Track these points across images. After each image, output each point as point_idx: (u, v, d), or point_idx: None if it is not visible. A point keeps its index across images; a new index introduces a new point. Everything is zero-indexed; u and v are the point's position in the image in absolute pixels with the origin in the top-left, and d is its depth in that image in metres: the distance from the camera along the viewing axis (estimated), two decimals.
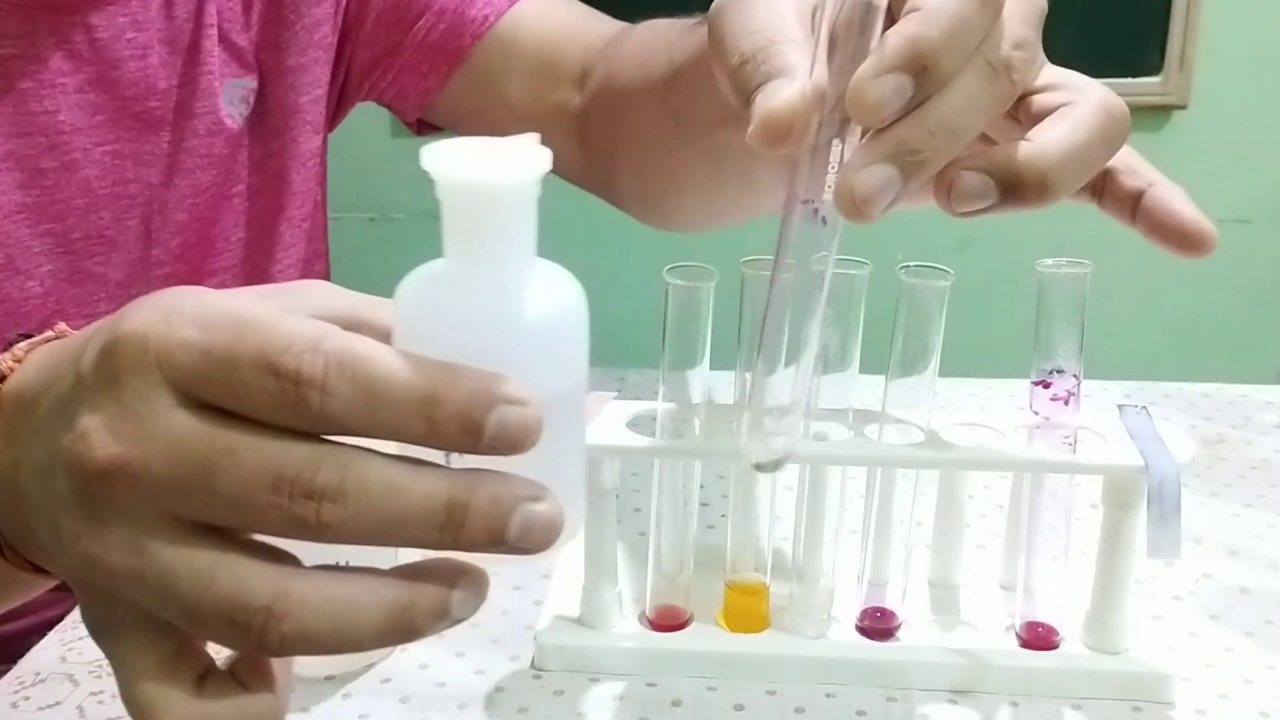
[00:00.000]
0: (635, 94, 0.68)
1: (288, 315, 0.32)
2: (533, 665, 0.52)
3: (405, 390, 0.30)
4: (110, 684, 0.50)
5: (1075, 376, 0.48)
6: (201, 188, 0.70)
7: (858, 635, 0.52)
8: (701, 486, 0.53)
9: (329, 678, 0.50)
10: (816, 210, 0.37)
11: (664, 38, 0.64)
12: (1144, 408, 0.52)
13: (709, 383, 0.50)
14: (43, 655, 0.52)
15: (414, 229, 1.43)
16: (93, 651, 0.52)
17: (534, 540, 0.31)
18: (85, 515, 0.32)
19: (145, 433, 0.31)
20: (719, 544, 0.53)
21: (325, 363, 0.30)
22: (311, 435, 0.31)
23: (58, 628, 0.54)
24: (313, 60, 0.73)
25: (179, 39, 0.67)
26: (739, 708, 0.49)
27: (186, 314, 0.32)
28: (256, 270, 0.75)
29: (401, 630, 0.32)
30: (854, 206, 0.36)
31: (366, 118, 1.38)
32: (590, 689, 0.50)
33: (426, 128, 0.84)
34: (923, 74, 0.35)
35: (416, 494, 0.31)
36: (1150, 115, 1.37)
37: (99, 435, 0.32)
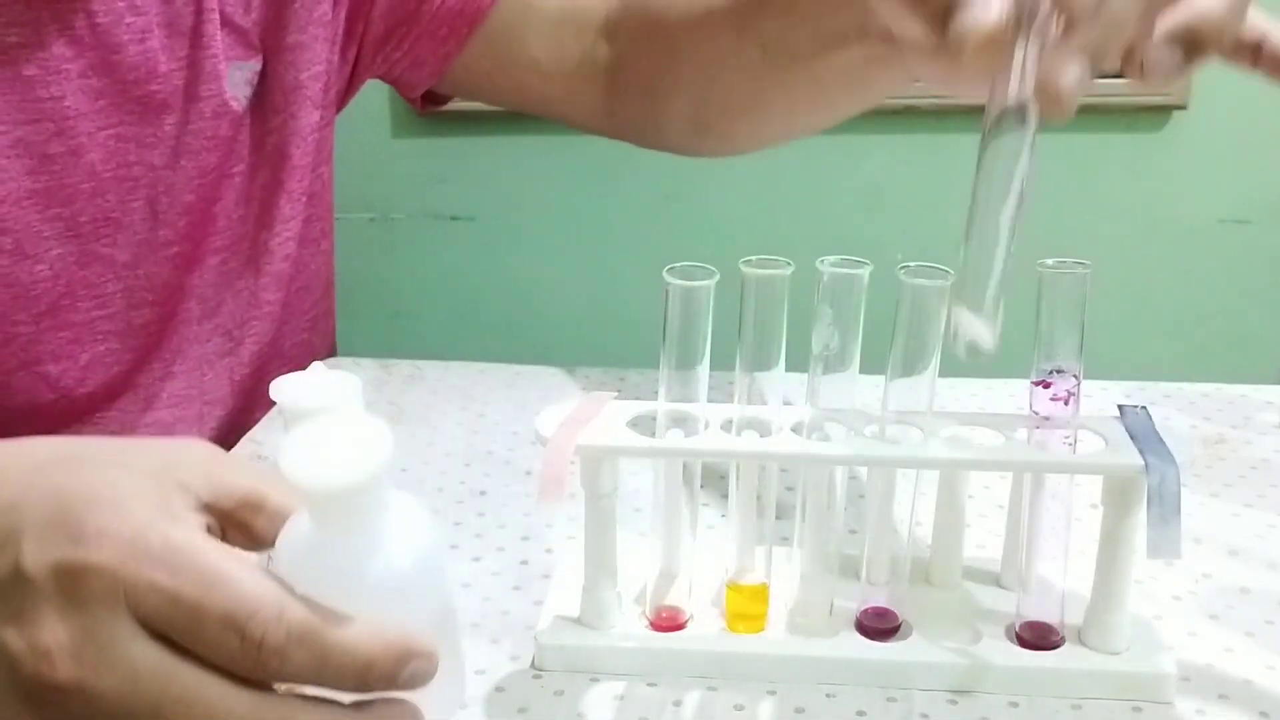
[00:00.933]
0: (692, 28, 0.70)
1: (250, 575, 0.36)
2: (533, 665, 0.52)
3: (349, 660, 0.36)
4: None
5: (1075, 376, 0.48)
6: (206, 169, 0.71)
7: (858, 635, 0.52)
8: (702, 486, 0.53)
9: None
10: (1020, 107, 0.44)
11: None
12: (1144, 408, 0.52)
13: (709, 383, 0.50)
14: None
15: (414, 229, 1.43)
16: None
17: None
18: (31, 711, 0.35)
19: (105, 660, 0.35)
20: (719, 544, 0.53)
21: (287, 633, 0.35)
22: (259, 685, 0.36)
23: None
24: (312, 38, 0.73)
25: (179, 22, 0.68)
26: (739, 708, 0.49)
27: (154, 554, 0.35)
28: (255, 245, 0.76)
29: None
30: (1060, 104, 0.44)
31: (367, 118, 1.38)
32: (590, 689, 0.50)
33: (430, 102, 0.84)
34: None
35: None
36: (1150, 115, 1.37)
37: (62, 658, 0.35)
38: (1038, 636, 0.51)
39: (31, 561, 0.35)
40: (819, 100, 0.69)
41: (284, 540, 0.38)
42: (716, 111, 0.74)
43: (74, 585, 0.35)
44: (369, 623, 0.36)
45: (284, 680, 0.36)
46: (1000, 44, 0.44)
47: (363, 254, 1.45)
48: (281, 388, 0.44)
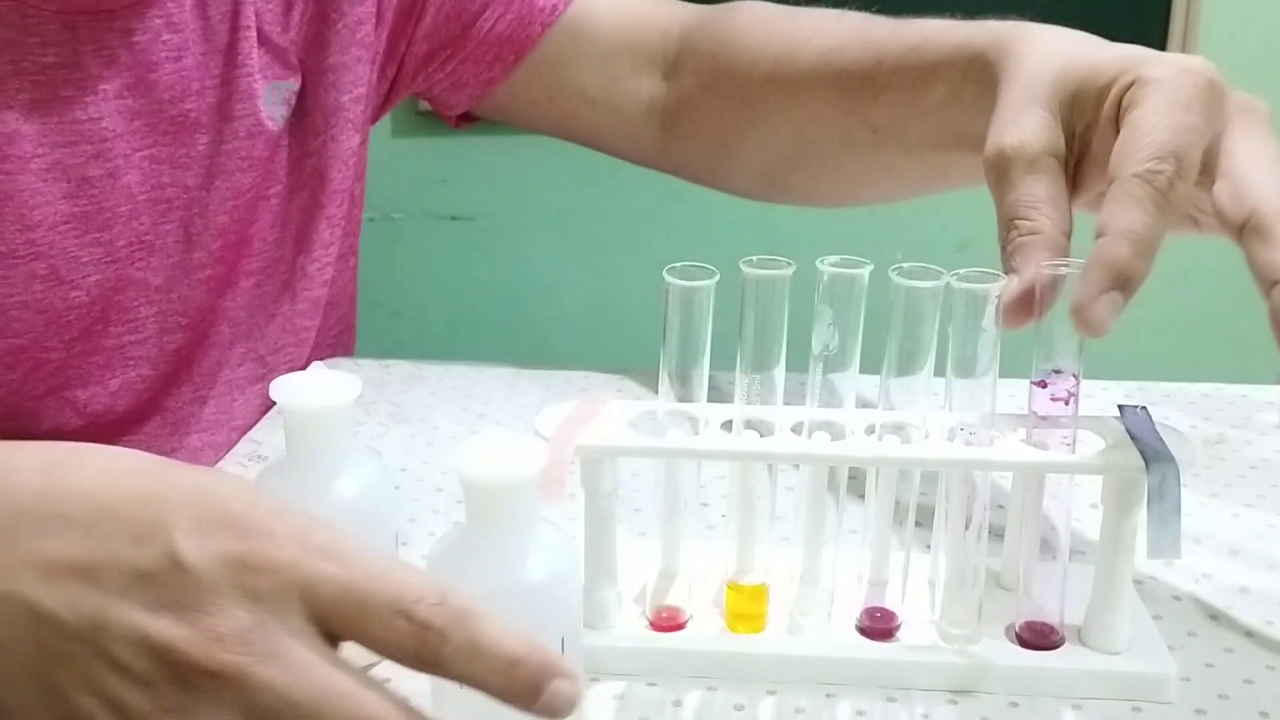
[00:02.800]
0: (781, 89, 0.69)
1: (412, 568, 0.38)
2: None
3: (500, 650, 0.36)
4: None
5: (1075, 376, 0.48)
6: (241, 190, 0.69)
7: (858, 635, 0.52)
8: (702, 486, 0.53)
9: None
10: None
11: (820, 28, 0.68)
12: (1144, 408, 0.52)
13: (709, 383, 0.50)
14: None
15: (414, 229, 1.43)
16: None
17: None
18: (162, 696, 0.35)
19: (273, 650, 0.35)
20: (719, 544, 0.53)
21: (449, 618, 0.36)
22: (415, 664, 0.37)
23: None
24: (355, 59, 0.72)
25: (215, 40, 0.66)
26: (739, 708, 0.49)
27: (324, 549, 0.37)
28: (292, 269, 0.74)
29: None
30: (1094, 329, 0.47)
31: None
32: (590, 689, 0.50)
33: (465, 121, 0.83)
34: (1128, 285, 0.47)
35: None
36: None
37: (233, 643, 0.35)
38: (1038, 636, 0.51)
39: (196, 554, 0.36)
40: (930, 181, 0.68)
41: (437, 547, 0.42)
42: (799, 170, 0.73)
43: (249, 577, 0.36)
44: (518, 627, 0.37)
45: (441, 668, 0.37)
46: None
47: (363, 254, 1.44)
48: (282, 387, 0.45)
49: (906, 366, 0.48)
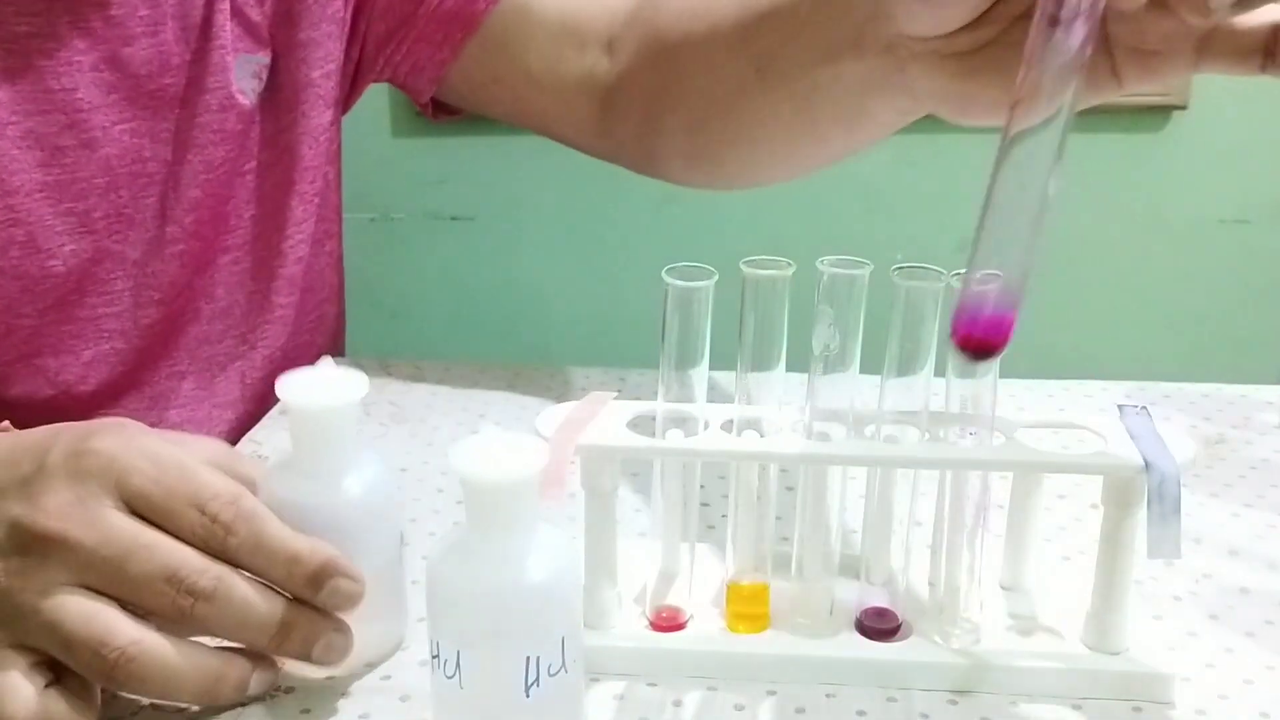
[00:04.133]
0: (695, 46, 0.67)
1: (221, 475, 0.46)
2: None
3: (281, 547, 0.45)
4: None
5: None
6: (214, 164, 0.70)
7: (858, 635, 0.52)
8: (702, 486, 0.53)
9: (329, 679, 0.50)
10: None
11: None
12: (1144, 408, 0.52)
13: (709, 383, 0.50)
14: None
15: (414, 229, 1.43)
16: None
17: (330, 659, 0.47)
18: (16, 562, 0.44)
19: (89, 519, 0.44)
20: (719, 544, 0.53)
21: (237, 514, 0.45)
22: (206, 552, 0.45)
23: None
24: (325, 35, 0.72)
25: (191, 14, 0.67)
26: (739, 708, 0.49)
27: (147, 453, 0.45)
28: (268, 246, 0.75)
29: (211, 694, 0.46)
30: None
31: (367, 118, 1.38)
32: (590, 689, 0.50)
33: (441, 112, 0.83)
34: None
35: (262, 611, 0.45)
36: (1150, 115, 1.37)
37: (53, 513, 0.44)
38: (1034, 636, 0.51)
39: (53, 457, 0.45)
40: (809, 131, 0.65)
41: (437, 547, 0.44)
42: (709, 139, 0.70)
43: (78, 462, 0.45)
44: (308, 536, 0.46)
45: (230, 557, 0.45)
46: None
47: (363, 254, 1.44)
48: (288, 384, 0.47)
49: (906, 366, 0.48)
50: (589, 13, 0.75)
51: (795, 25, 0.61)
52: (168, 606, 0.44)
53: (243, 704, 0.48)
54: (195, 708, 0.47)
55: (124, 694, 0.47)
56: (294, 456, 0.48)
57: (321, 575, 0.45)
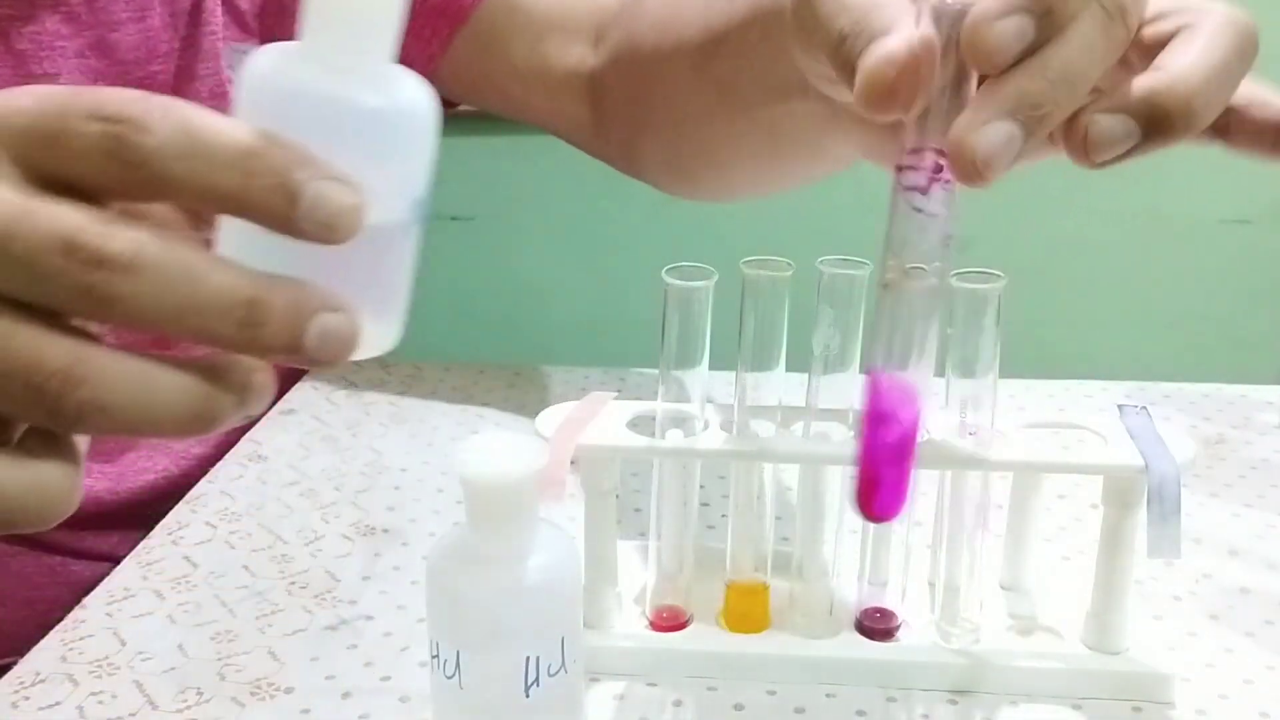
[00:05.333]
0: (663, 59, 0.65)
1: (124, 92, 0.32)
2: None
3: (225, 139, 0.30)
4: (110, 684, 0.50)
5: (937, 152, 0.36)
6: None
7: (858, 635, 0.52)
8: (702, 486, 0.53)
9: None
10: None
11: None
12: (1144, 408, 0.52)
13: (709, 383, 0.50)
14: (43, 655, 0.52)
15: None
16: (93, 651, 0.52)
17: (331, 350, 0.32)
18: None
19: None
20: (719, 544, 0.53)
21: (149, 107, 0.31)
22: (110, 209, 0.31)
23: (58, 628, 0.54)
24: None
25: (179, 0, 0.66)
26: (739, 708, 0.49)
27: (30, 91, 0.32)
28: None
29: (204, 416, 0.32)
30: (974, 169, 0.34)
31: None
32: (590, 689, 0.50)
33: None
34: (1046, 16, 0.34)
35: (218, 283, 0.31)
36: None
37: None
38: (1032, 635, 0.51)
39: None
40: (772, 157, 0.61)
41: (437, 547, 0.41)
42: (682, 155, 0.68)
43: None
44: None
45: (154, 171, 0.31)
46: (909, 95, 0.36)
47: None
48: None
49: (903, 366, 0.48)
50: (578, 5, 0.74)
51: (747, 55, 0.57)
52: (74, 293, 0.31)
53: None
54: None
55: (90, 437, 0.34)
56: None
57: (297, 174, 0.30)
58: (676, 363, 0.49)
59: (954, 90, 0.36)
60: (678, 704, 0.49)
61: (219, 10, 0.67)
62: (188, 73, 0.67)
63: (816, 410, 0.50)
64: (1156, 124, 0.36)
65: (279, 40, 0.32)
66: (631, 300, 1.41)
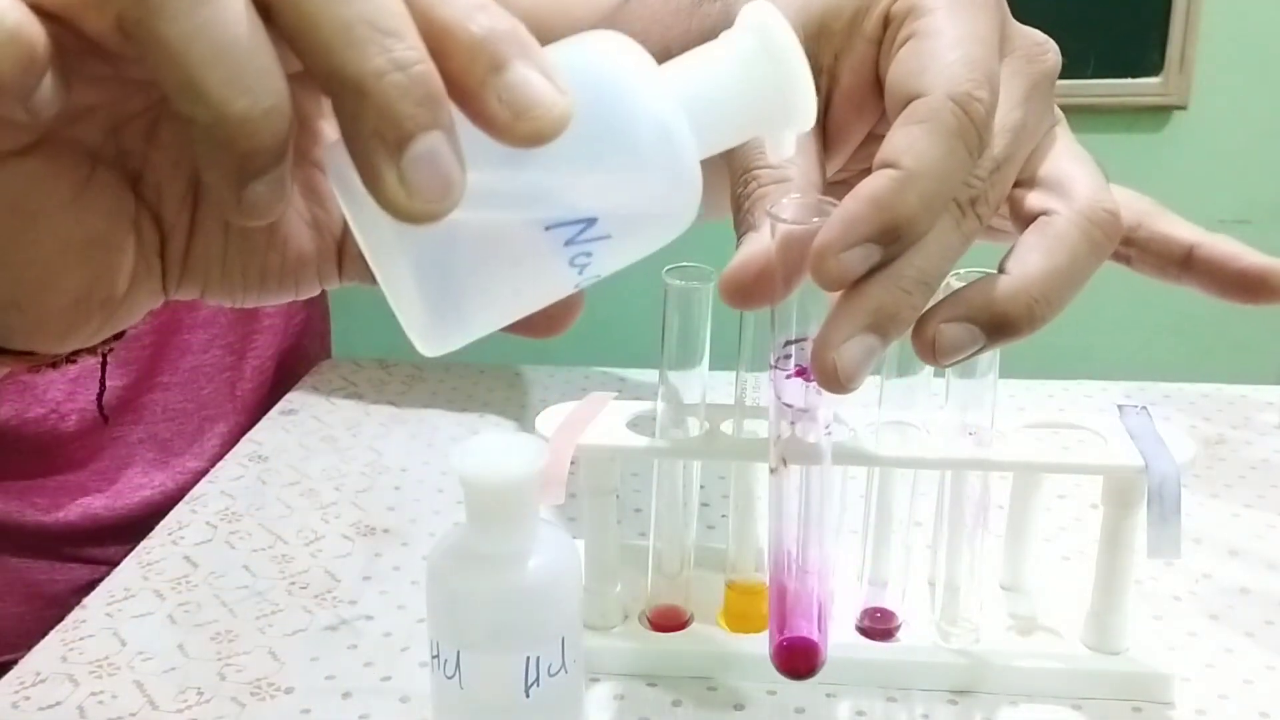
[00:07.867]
0: None
1: None
2: None
3: None
4: (110, 684, 0.50)
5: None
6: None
7: (858, 635, 0.52)
8: (701, 487, 0.53)
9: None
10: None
11: (658, 18, 0.58)
12: (1144, 408, 0.52)
13: (708, 383, 0.50)
14: (43, 655, 0.52)
15: None
16: (93, 651, 0.52)
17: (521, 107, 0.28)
18: None
19: None
20: (719, 544, 0.53)
21: None
22: None
23: (58, 628, 0.54)
24: None
25: None
26: (739, 708, 0.49)
27: None
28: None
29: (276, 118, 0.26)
30: (836, 382, 0.34)
31: None
32: (590, 689, 0.50)
33: None
34: (895, 242, 0.33)
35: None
36: (1150, 115, 1.37)
37: None
38: (1032, 635, 0.51)
39: None
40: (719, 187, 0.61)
41: (437, 547, 0.41)
42: None
43: None
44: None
45: None
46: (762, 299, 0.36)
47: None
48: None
49: (906, 366, 0.48)
50: (552, 23, 0.74)
51: None
52: None
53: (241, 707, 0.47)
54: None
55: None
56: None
57: None
58: (676, 363, 0.49)
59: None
60: (678, 704, 0.49)
61: None
62: None
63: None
64: (1000, 329, 0.36)
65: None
66: (631, 300, 1.41)
